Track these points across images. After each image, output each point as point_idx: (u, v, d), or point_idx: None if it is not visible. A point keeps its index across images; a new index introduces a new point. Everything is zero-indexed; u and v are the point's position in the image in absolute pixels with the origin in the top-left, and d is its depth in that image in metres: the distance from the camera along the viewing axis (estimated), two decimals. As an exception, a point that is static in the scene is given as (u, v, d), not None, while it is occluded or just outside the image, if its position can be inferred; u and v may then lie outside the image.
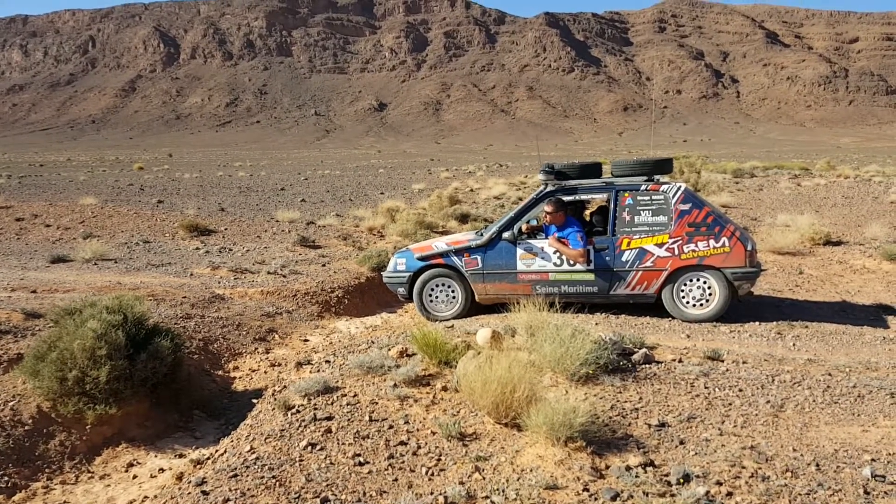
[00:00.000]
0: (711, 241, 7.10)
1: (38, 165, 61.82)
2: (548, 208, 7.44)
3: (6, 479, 4.63)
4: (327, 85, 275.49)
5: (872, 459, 3.92)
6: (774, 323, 7.25)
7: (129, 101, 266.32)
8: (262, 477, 3.79)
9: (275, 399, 5.02)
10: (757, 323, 7.24)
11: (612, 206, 7.41)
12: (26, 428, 5.08)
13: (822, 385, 5.08)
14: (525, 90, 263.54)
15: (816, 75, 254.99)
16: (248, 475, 3.82)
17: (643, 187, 7.36)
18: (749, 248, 7.14)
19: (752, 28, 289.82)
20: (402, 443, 4.28)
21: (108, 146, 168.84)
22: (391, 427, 4.47)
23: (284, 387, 5.39)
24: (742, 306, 7.95)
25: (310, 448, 4.17)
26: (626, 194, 7.36)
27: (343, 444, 4.24)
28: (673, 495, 3.52)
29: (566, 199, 7.54)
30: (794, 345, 6.48)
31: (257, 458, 4.03)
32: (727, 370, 5.35)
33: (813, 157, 60.27)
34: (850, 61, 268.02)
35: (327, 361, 6.10)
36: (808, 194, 21.23)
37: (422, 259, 7.92)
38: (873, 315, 8.23)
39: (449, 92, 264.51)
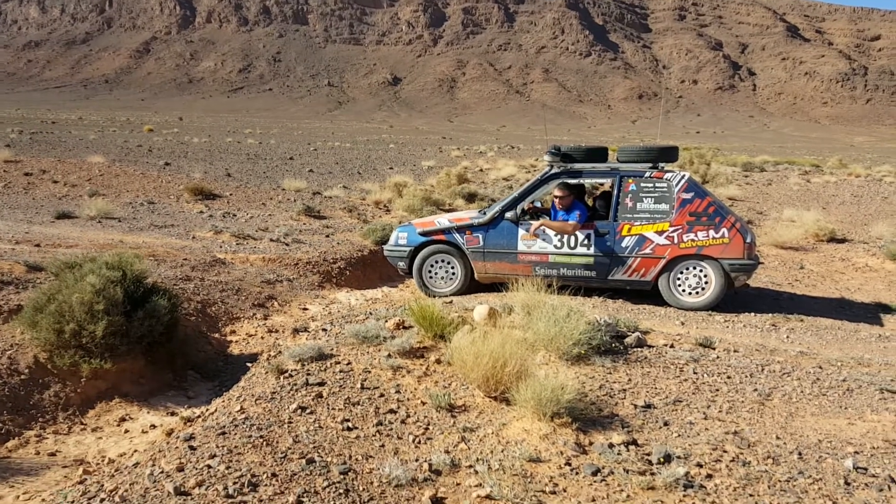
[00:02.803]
0: (711, 232, 7.10)
1: (51, 123, 61.79)
2: (558, 192, 7.48)
3: (0, 425, 4.72)
4: (342, 56, 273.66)
5: (856, 452, 3.95)
6: (770, 315, 7.27)
7: (142, 63, 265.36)
8: (250, 436, 3.85)
9: (269, 363, 5.07)
10: (753, 314, 7.27)
11: (615, 191, 7.42)
12: (22, 377, 5.16)
13: (811, 377, 5.10)
14: (541, 72, 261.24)
15: (835, 72, 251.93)
16: (236, 434, 3.88)
17: (647, 174, 7.35)
18: (748, 240, 7.14)
19: (773, 20, 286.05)
20: (391, 411, 4.33)
21: (120, 107, 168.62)
22: (382, 395, 4.52)
23: (279, 352, 5.44)
24: (739, 297, 7.97)
25: (299, 411, 4.22)
26: (630, 180, 7.36)
27: (333, 409, 4.29)
28: (653, 474, 3.57)
29: (571, 182, 7.57)
30: (787, 337, 6.51)
31: (246, 419, 4.08)
32: (717, 357, 5.38)
33: (826, 154, 59.78)
34: (871, 59, 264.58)
35: (324, 329, 6.16)
36: (816, 191, 21.11)
37: (424, 234, 7.93)
38: (871, 313, 8.24)
39: (464, 70, 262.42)
